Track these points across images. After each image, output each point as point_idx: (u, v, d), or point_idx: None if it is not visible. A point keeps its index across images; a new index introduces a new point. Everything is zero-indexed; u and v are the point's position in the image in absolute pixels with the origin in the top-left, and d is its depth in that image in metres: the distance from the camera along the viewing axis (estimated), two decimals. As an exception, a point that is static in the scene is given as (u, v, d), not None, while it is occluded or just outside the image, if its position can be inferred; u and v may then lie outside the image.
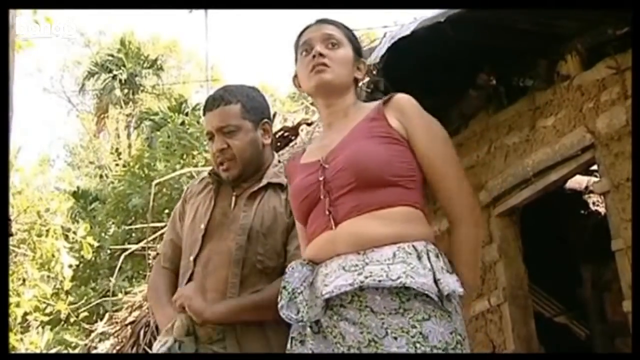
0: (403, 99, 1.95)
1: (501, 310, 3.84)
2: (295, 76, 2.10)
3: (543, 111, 3.67)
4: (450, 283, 1.74)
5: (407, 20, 4.16)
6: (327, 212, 1.83)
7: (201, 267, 2.21)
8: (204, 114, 2.36)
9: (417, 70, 3.49)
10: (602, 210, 4.95)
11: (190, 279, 2.22)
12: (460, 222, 1.88)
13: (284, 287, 1.84)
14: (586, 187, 5.25)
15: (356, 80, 2.06)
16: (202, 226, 2.26)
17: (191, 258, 2.24)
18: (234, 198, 2.29)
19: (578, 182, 5.16)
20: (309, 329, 1.78)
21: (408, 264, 1.70)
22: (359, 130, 1.91)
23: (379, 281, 1.68)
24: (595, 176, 4.06)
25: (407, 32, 3.18)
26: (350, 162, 1.83)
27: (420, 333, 1.67)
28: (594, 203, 5.43)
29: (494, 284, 3.89)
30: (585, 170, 4.18)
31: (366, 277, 1.69)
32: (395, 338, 1.67)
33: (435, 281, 1.71)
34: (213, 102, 2.32)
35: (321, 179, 1.87)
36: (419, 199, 1.85)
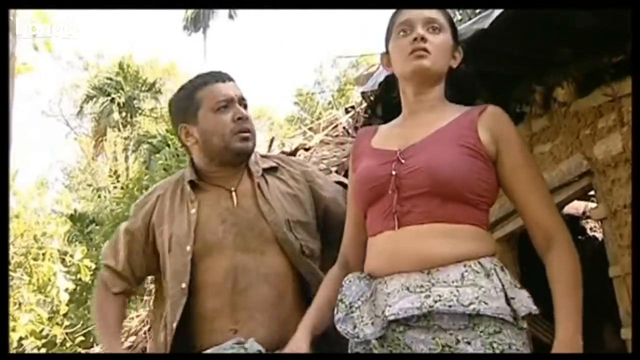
0: (498, 110, 1.86)
1: (499, 336, 3.82)
2: (385, 53, 1.98)
3: (540, 137, 3.69)
4: (524, 301, 1.68)
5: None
6: (393, 210, 1.75)
7: (230, 284, 2.03)
8: (201, 86, 2.19)
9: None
10: (599, 235, 4.95)
11: (186, 309, 2.04)
12: (556, 240, 1.76)
13: (341, 300, 1.76)
14: (584, 213, 5.25)
15: (450, 69, 1.94)
16: (188, 248, 2.07)
17: (183, 285, 2.05)
18: (234, 195, 2.13)
19: (576, 207, 5.17)
20: (375, 341, 1.70)
21: (479, 286, 1.64)
22: (446, 133, 1.81)
23: (450, 306, 1.61)
24: (593, 201, 4.06)
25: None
26: (430, 165, 1.74)
27: (494, 339, 1.62)
28: (591, 229, 5.43)
29: (492, 310, 3.88)
30: (583, 196, 4.18)
31: (435, 301, 1.62)
32: (469, 343, 1.61)
33: (508, 300, 1.66)
34: (223, 75, 2.21)
35: (394, 173, 1.77)
36: (486, 219, 1.80)
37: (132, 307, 8.76)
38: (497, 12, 2.77)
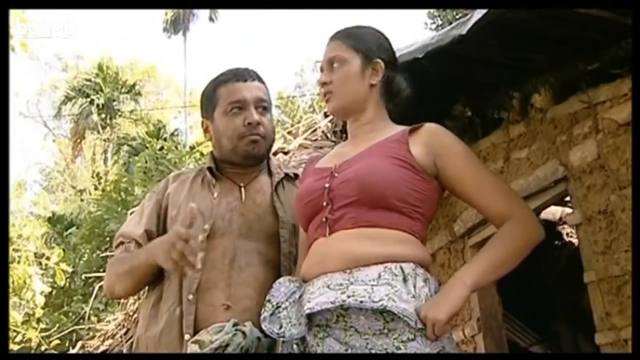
0: (434, 126, 1.93)
1: (475, 341, 3.84)
2: None
3: (517, 143, 3.71)
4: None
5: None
6: (324, 219, 1.83)
7: (228, 260, 2.05)
8: (222, 84, 2.21)
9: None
10: (575, 241, 4.99)
11: (197, 288, 2.03)
12: (509, 218, 1.82)
13: (269, 300, 1.82)
14: (560, 218, 5.29)
15: (375, 85, 2.01)
16: (206, 227, 2.10)
17: (198, 266, 2.02)
18: (242, 190, 2.18)
19: (552, 212, 5.21)
20: (295, 347, 1.76)
21: (392, 286, 1.68)
22: (377, 147, 1.90)
23: (361, 302, 1.66)
24: (570, 207, 4.10)
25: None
26: (357, 175, 1.82)
27: (407, 347, 1.65)
28: (567, 234, 5.48)
29: (468, 315, 3.90)
30: (559, 201, 4.22)
31: (349, 297, 1.67)
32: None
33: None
34: (248, 74, 2.22)
35: (327, 186, 1.86)
36: (419, 230, 1.83)
37: (109, 310, 8.69)
38: (475, 18, 2.79)
